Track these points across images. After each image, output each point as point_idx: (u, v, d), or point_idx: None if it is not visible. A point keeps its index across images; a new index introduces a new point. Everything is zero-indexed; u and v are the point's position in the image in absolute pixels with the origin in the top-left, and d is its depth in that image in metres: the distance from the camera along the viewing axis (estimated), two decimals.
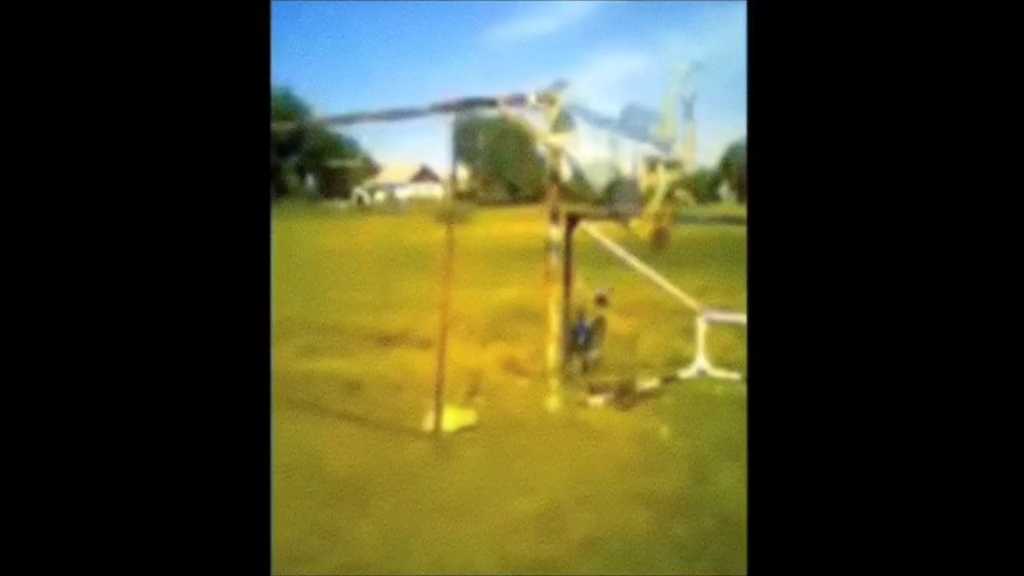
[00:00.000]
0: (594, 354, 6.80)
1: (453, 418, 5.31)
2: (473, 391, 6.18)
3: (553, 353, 5.99)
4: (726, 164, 74.81)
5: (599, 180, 6.10)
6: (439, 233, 5.97)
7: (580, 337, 6.67)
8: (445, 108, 6.00)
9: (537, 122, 5.93)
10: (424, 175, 77.94)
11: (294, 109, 63.11)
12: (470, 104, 6.07)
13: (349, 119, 8.08)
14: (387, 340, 8.47)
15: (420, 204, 55.46)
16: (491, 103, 5.98)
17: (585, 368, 6.68)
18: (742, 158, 71.78)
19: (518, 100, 5.83)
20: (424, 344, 7.08)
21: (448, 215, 6.54)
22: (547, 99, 5.71)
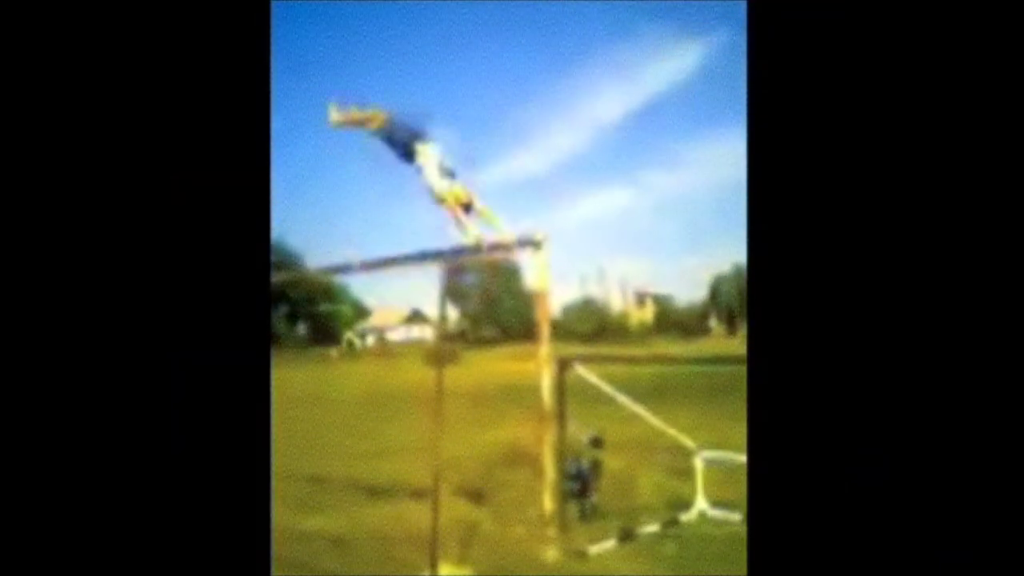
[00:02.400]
0: (592, 499, 6.63)
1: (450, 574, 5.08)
2: (468, 543, 5.96)
3: (549, 501, 5.83)
4: (713, 296, 76.06)
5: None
6: (430, 375, 5.97)
7: (576, 483, 6.53)
8: (433, 257, 6.19)
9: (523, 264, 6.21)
10: (415, 317, 78.67)
11: (286, 259, 64.50)
12: (457, 253, 6.28)
13: (340, 269, 8.28)
14: (378, 491, 8.24)
15: (411, 346, 55.63)
16: (476, 251, 6.17)
17: (583, 515, 6.49)
18: (729, 289, 73.13)
19: (503, 247, 6.04)
20: (416, 494, 6.89)
21: (438, 358, 6.57)
22: (531, 243, 5.88)
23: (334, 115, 6.44)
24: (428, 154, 6.12)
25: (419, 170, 6.15)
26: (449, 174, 6.10)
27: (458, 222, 6.05)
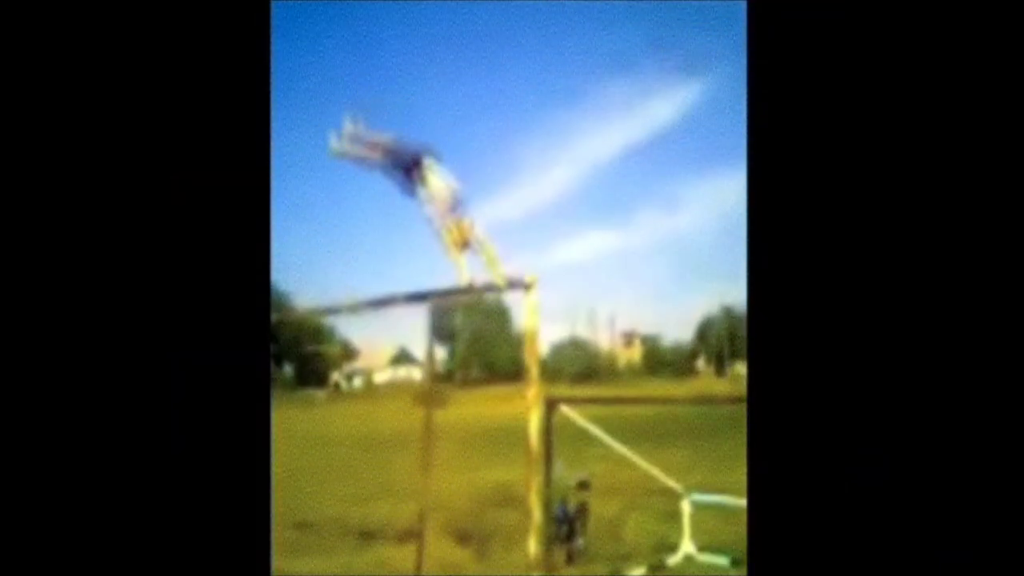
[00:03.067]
0: (579, 543, 6.58)
1: None
2: None
3: (535, 544, 5.79)
4: (702, 336, 76.13)
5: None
6: (418, 416, 5.95)
7: (563, 526, 6.49)
8: (420, 298, 6.22)
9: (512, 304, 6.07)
10: (402, 358, 78.17)
11: (273, 300, 64.14)
12: (444, 294, 6.31)
13: (328, 311, 8.30)
14: (365, 535, 8.15)
15: (399, 387, 55.19)
16: (465, 291, 6.20)
17: (570, 559, 6.43)
18: (718, 331, 73.26)
19: (491, 287, 6.07)
20: (403, 537, 6.82)
21: (426, 400, 6.57)
22: (522, 285, 5.89)
23: (334, 144, 6.17)
24: (434, 180, 5.85)
25: (421, 201, 5.90)
26: (457, 203, 5.84)
27: (454, 260, 5.88)
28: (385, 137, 6.11)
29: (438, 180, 5.88)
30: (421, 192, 5.92)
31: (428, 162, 5.90)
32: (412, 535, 5.57)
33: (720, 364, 73.38)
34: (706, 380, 65.87)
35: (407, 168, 5.96)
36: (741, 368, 72.00)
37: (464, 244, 5.84)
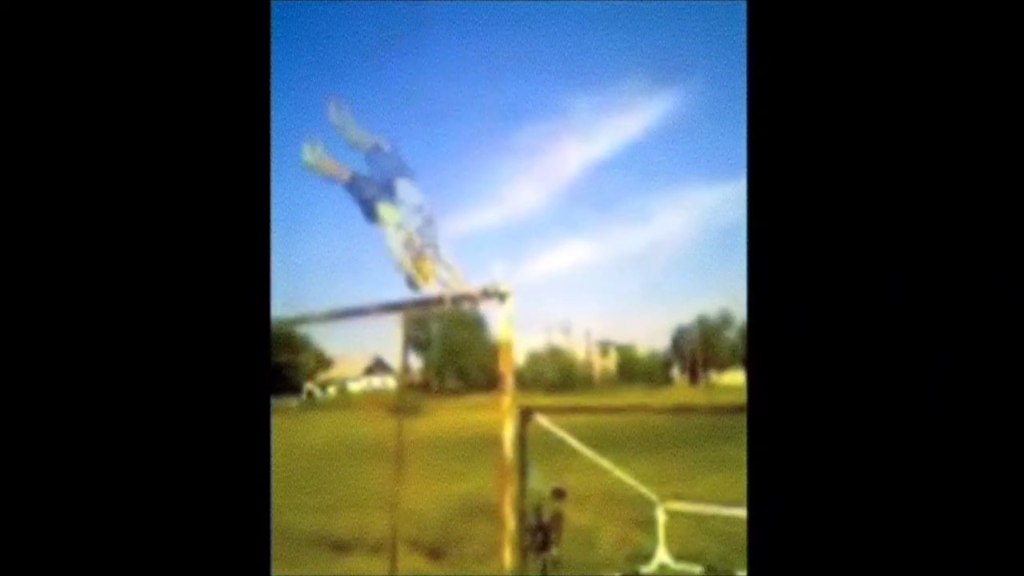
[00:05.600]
0: (553, 553, 6.54)
1: None
2: None
3: (509, 555, 5.75)
4: (676, 346, 76.72)
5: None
6: (391, 425, 5.89)
7: (537, 536, 6.44)
8: (394, 308, 6.17)
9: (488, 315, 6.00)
10: (377, 367, 77.70)
11: None
12: (418, 304, 6.27)
13: (301, 320, 8.20)
14: (337, 545, 8.05)
15: (373, 397, 54.85)
16: (439, 301, 6.17)
17: (544, 570, 6.39)
18: (691, 340, 73.91)
19: (466, 297, 6.04)
20: (375, 549, 6.75)
21: (399, 409, 6.52)
22: (497, 294, 5.88)
23: (307, 156, 6.02)
24: (389, 220, 5.76)
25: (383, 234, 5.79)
26: (420, 243, 5.71)
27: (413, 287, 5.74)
28: (348, 171, 6.01)
29: (395, 215, 5.76)
30: (382, 232, 5.80)
31: (383, 209, 5.79)
32: (384, 546, 5.51)
33: (694, 373, 74.00)
34: (681, 389, 66.29)
35: (367, 201, 5.88)
36: (715, 377, 72.77)
37: (427, 279, 5.72)
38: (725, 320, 75.63)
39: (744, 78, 2.04)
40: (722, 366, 73.27)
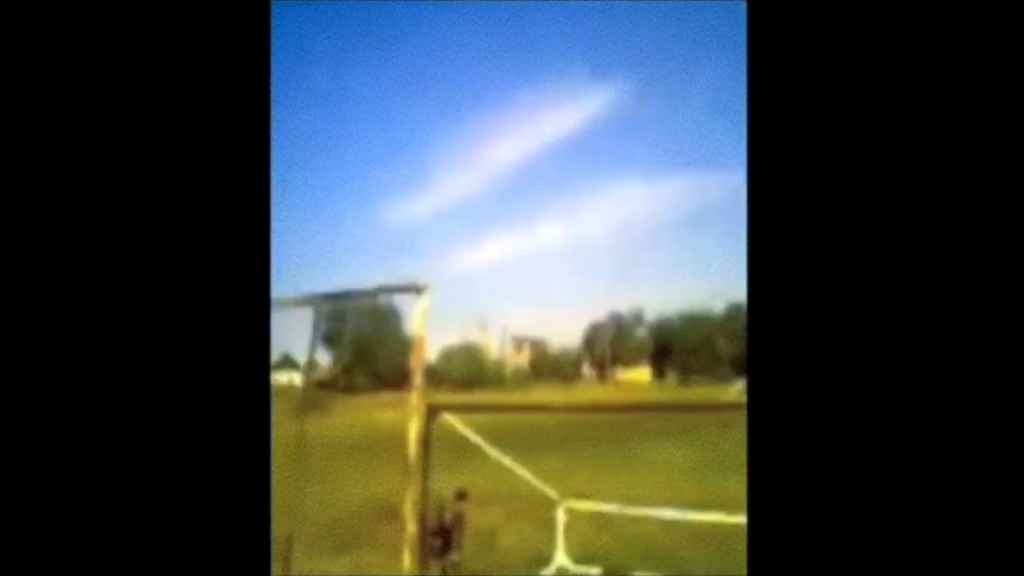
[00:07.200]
0: (453, 557, 6.45)
1: None
2: None
3: (409, 560, 5.62)
4: (588, 343, 77.72)
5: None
6: (296, 424, 5.69)
7: (438, 539, 6.33)
8: (308, 301, 5.95)
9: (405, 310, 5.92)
10: (284, 363, 75.54)
11: None
12: (333, 298, 6.07)
13: None
14: None
15: (280, 394, 53.35)
16: (356, 295, 5.99)
17: (444, 573, 6.29)
18: (601, 338, 75.08)
19: (382, 290, 5.89)
20: (276, 554, 6.48)
21: (303, 407, 6.30)
22: (414, 288, 5.75)
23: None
24: None
25: None
26: None
27: None
28: None
29: None
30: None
31: None
32: (281, 551, 5.29)
33: (602, 370, 75.27)
34: (589, 386, 67.41)
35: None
36: (623, 374, 74.14)
37: None
38: (637, 318, 77.18)
39: (672, 77, 2.03)
40: (628, 363, 74.63)
